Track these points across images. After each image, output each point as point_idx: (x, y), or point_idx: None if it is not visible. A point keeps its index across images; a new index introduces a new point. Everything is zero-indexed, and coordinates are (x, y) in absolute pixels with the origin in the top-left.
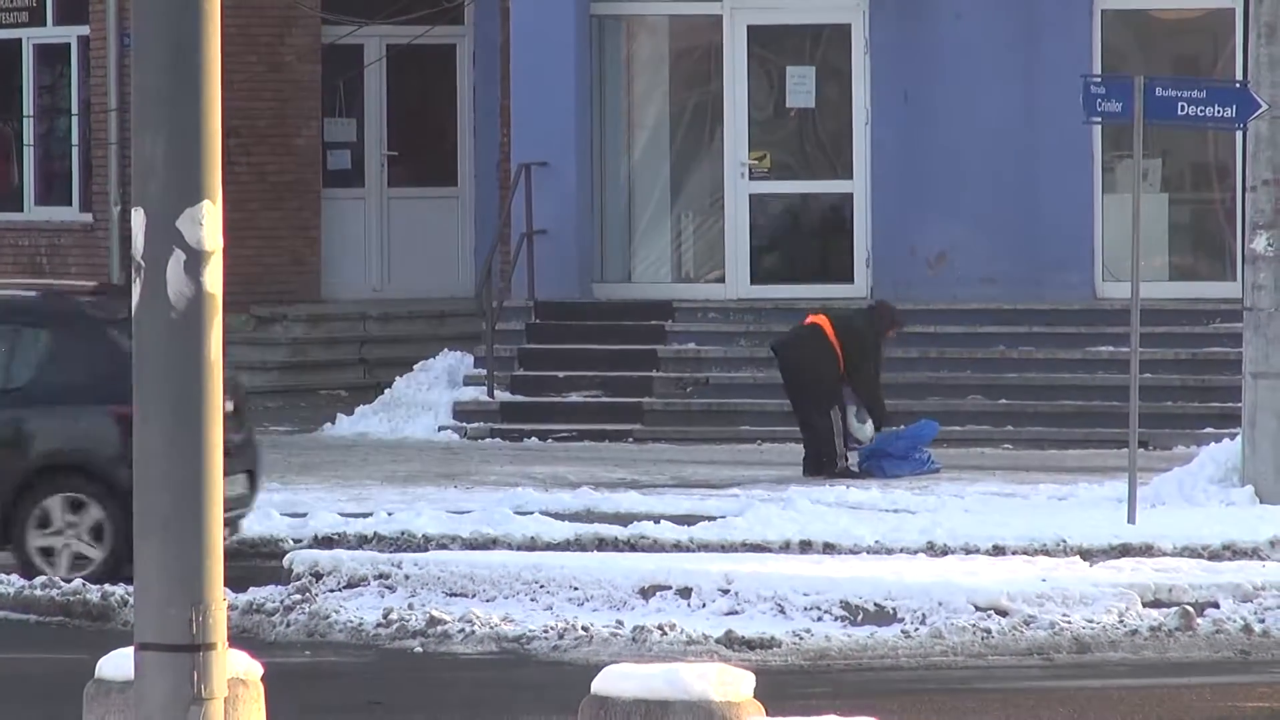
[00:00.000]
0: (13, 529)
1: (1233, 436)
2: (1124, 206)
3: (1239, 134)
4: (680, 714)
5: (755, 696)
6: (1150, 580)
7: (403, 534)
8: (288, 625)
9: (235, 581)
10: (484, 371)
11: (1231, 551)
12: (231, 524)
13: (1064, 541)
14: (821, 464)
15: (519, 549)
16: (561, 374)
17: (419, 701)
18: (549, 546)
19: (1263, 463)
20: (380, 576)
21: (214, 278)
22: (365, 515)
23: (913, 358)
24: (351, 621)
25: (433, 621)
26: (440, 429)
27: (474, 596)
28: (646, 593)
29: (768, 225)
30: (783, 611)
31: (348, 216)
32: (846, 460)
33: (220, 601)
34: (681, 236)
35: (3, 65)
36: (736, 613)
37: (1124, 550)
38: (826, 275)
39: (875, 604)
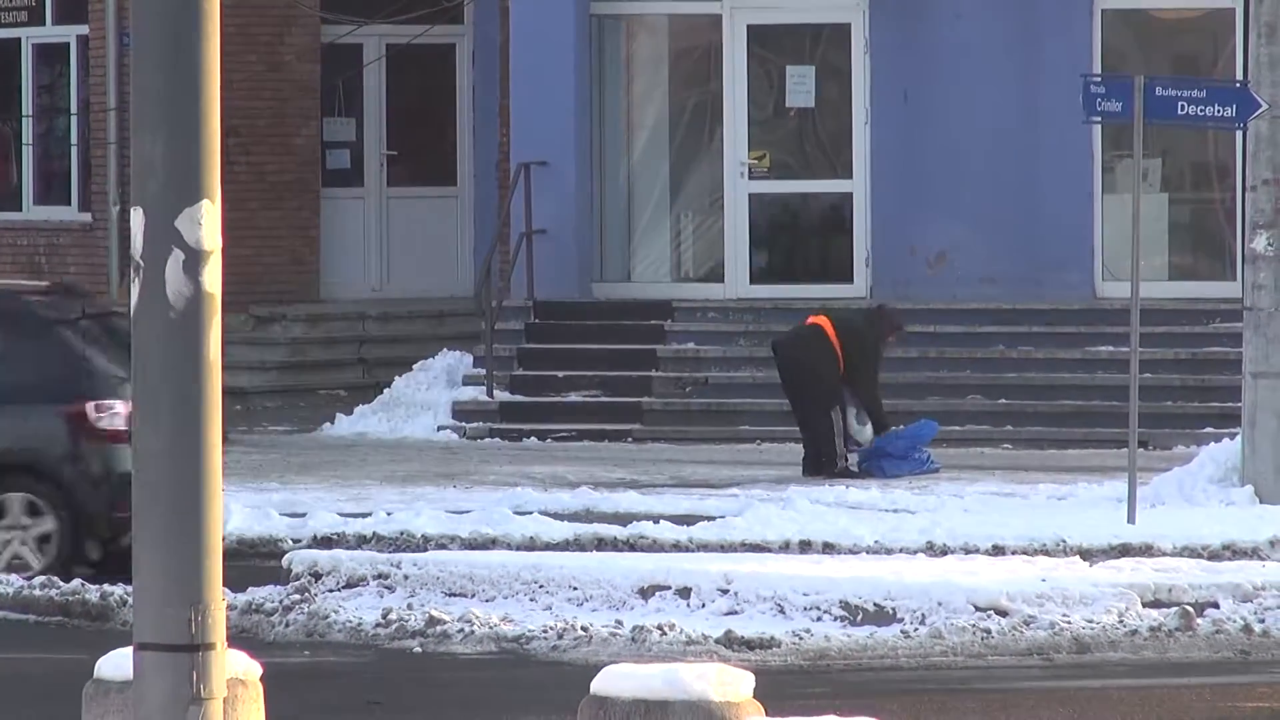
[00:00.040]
0: None
1: (1232, 436)
2: (1124, 206)
3: (1239, 134)
4: (679, 714)
5: (755, 696)
6: (1150, 580)
7: (402, 534)
8: (287, 625)
9: (234, 581)
10: (483, 371)
11: (1231, 551)
12: None
13: (1064, 541)
14: (821, 464)
15: (518, 549)
16: (561, 374)
17: (418, 701)
18: (548, 546)
19: (1262, 462)
20: (379, 576)
21: (213, 277)
22: (364, 515)
23: (912, 357)
24: (350, 621)
25: (432, 621)
26: (439, 429)
27: (473, 596)
28: (646, 593)
29: (767, 225)
30: (782, 611)
31: (347, 216)
32: (846, 460)
33: (219, 601)
34: (681, 236)
35: (2, 65)
36: (736, 613)
37: (1124, 550)
38: (826, 275)
39: (875, 604)
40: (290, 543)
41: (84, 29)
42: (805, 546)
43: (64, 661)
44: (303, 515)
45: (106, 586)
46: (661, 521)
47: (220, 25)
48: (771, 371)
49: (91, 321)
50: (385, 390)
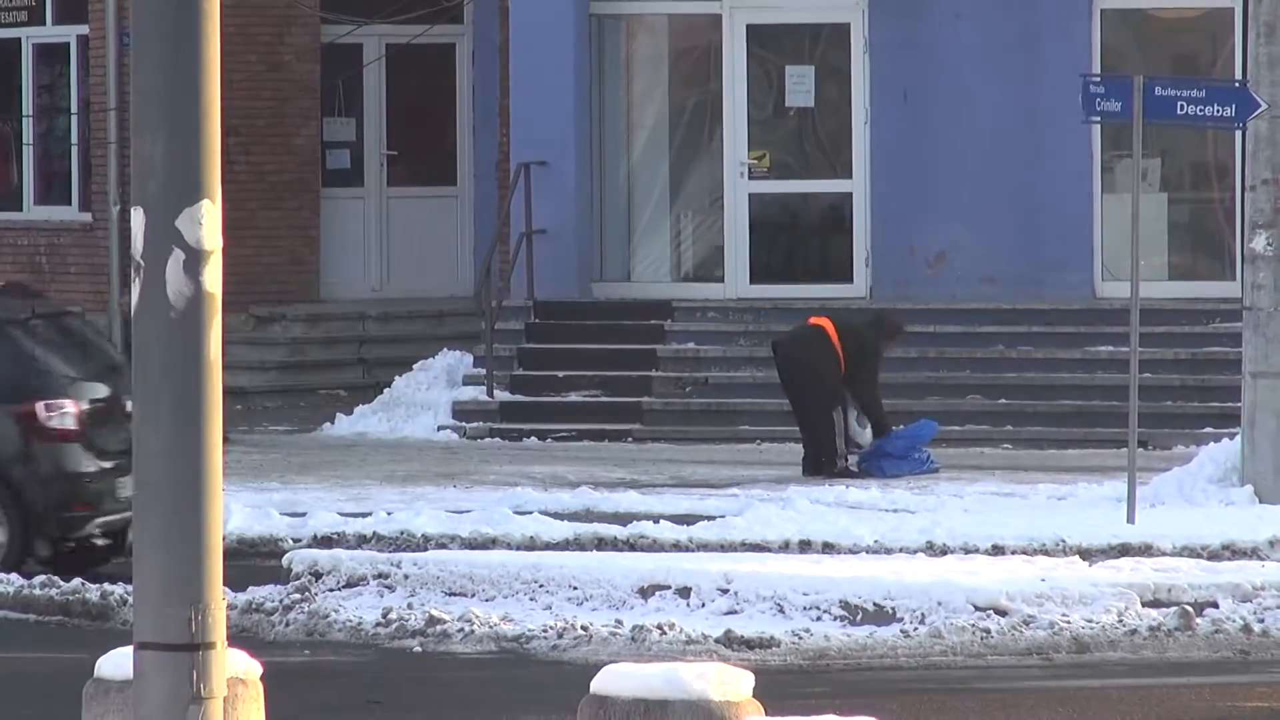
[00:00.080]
0: None
1: (1232, 436)
2: (1123, 206)
3: (1238, 133)
4: (679, 713)
5: (754, 696)
6: (1149, 580)
7: (402, 533)
8: (287, 625)
9: (234, 581)
10: (483, 371)
11: (1231, 551)
12: None
13: (1063, 541)
14: (821, 464)
15: (518, 548)
16: (561, 373)
17: (418, 701)
18: (548, 546)
19: (1262, 462)
20: (379, 576)
21: (213, 277)
22: (364, 515)
23: (912, 357)
24: (350, 621)
25: (432, 621)
26: (439, 429)
27: (473, 596)
28: (646, 592)
29: (767, 225)
30: (782, 611)
31: (347, 216)
32: (846, 460)
33: (219, 601)
34: (681, 236)
35: (2, 65)
36: (736, 612)
37: (1123, 550)
38: (826, 275)
39: (874, 604)
40: (290, 542)
41: (84, 29)
42: (805, 546)
43: (64, 661)
44: (303, 515)
45: (107, 586)
46: (661, 521)
47: (220, 25)
48: (771, 371)
49: (42, 321)
50: (385, 390)
